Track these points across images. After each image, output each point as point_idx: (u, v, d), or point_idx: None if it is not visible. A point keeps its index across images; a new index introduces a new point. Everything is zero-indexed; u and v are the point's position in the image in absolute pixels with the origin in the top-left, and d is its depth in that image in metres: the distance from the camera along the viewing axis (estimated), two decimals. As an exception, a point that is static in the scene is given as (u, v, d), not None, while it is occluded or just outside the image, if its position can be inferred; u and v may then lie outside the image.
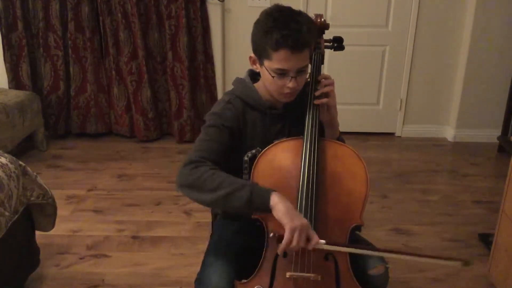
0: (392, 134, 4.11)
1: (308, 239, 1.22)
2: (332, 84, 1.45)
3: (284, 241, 1.20)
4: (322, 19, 1.59)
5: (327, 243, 1.25)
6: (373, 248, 1.39)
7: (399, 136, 4.09)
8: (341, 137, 1.56)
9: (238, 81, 1.54)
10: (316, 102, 1.44)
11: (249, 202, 1.25)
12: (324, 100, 1.44)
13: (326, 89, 1.44)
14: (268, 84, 1.42)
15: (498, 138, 3.75)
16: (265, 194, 1.25)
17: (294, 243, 1.20)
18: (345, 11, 3.74)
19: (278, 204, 1.23)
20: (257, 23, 1.37)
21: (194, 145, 1.42)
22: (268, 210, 1.25)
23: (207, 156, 1.36)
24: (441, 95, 3.98)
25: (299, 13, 1.36)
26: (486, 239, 2.48)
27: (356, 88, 3.95)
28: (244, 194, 1.25)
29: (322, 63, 1.56)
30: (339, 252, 1.32)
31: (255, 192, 1.25)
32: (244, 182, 1.29)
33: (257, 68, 1.45)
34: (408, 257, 1.28)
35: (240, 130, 1.47)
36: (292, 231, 1.20)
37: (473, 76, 3.79)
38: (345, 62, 3.83)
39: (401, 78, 3.92)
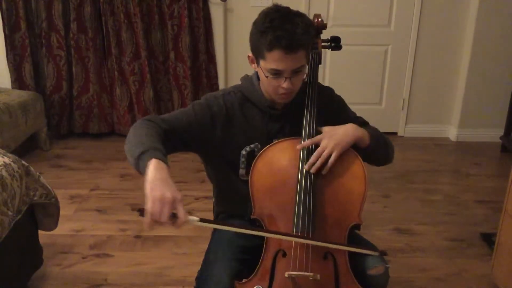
0: (394, 133, 4.10)
1: (175, 215, 1.13)
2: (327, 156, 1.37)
3: (147, 213, 1.12)
4: (320, 19, 1.59)
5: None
6: (278, 233, 1.33)
7: (402, 136, 4.09)
8: (372, 127, 1.54)
9: (245, 78, 1.56)
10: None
11: (135, 160, 1.22)
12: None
13: (327, 152, 1.37)
14: (265, 84, 1.43)
15: (501, 137, 3.74)
16: (147, 158, 1.19)
17: (156, 215, 1.11)
18: (347, 11, 3.73)
19: (149, 172, 1.16)
20: (255, 23, 1.38)
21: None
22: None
23: (167, 120, 1.40)
24: (444, 94, 3.97)
25: (297, 14, 1.35)
26: (489, 239, 2.48)
27: (358, 88, 3.94)
28: (137, 151, 1.22)
29: (320, 63, 1.56)
30: (337, 251, 1.32)
31: (145, 153, 1.20)
32: (153, 144, 1.24)
33: (254, 67, 1.46)
34: (325, 244, 1.29)
35: (229, 120, 1.47)
36: (149, 201, 1.12)
37: (476, 75, 3.78)
38: (347, 62, 3.83)
39: (404, 77, 3.92)
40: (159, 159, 1.19)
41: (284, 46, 1.29)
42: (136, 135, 1.30)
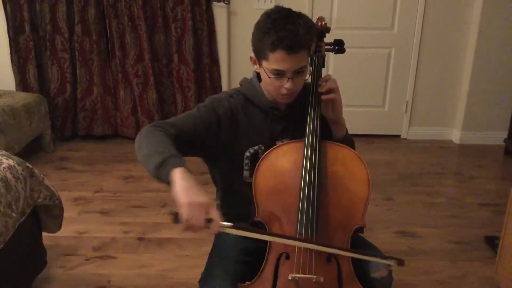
0: (398, 136, 4.10)
1: (209, 220, 1.14)
2: (334, 80, 1.45)
3: (181, 219, 1.13)
4: (323, 22, 1.59)
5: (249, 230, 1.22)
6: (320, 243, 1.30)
7: (405, 138, 4.08)
8: (349, 134, 1.56)
9: (245, 81, 1.56)
10: (324, 97, 1.43)
11: (155, 170, 1.21)
12: (332, 95, 1.43)
13: (330, 84, 1.43)
14: (267, 85, 1.44)
15: (505, 140, 3.73)
16: (169, 167, 1.18)
17: (192, 220, 1.12)
18: (351, 13, 3.74)
19: (177, 181, 1.16)
20: (257, 24, 1.39)
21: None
22: (169, 183, 1.19)
23: (174, 125, 1.38)
24: (447, 97, 3.96)
25: (298, 15, 1.36)
26: (492, 242, 2.47)
27: (361, 90, 3.95)
28: (155, 160, 1.21)
29: (323, 66, 1.56)
30: (340, 253, 1.31)
31: (165, 162, 1.20)
32: (171, 151, 1.23)
33: (257, 68, 1.46)
34: (344, 253, 1.29)
35: (234, 123, 1.48)
36: (185, 207, 1.12)
37: (479, 78, 3.78)
38: (350, 64, 3.83)
39: (407, 80, 3.92)
40: (183, 166, 1.19)
41: (287, 46, 1.30)
42: (149, 143, 1.28)
